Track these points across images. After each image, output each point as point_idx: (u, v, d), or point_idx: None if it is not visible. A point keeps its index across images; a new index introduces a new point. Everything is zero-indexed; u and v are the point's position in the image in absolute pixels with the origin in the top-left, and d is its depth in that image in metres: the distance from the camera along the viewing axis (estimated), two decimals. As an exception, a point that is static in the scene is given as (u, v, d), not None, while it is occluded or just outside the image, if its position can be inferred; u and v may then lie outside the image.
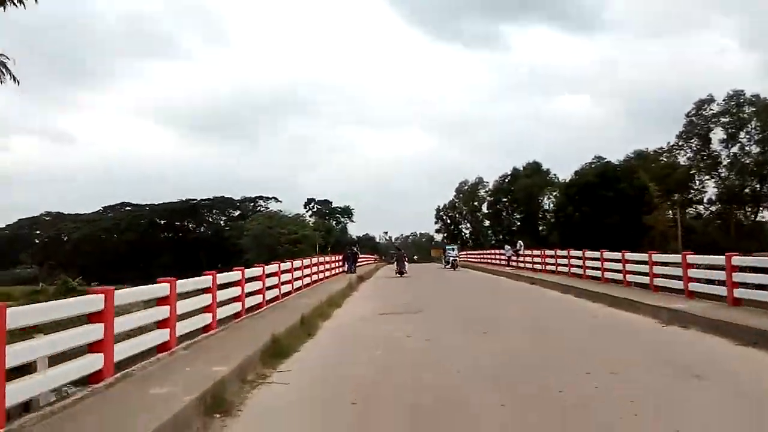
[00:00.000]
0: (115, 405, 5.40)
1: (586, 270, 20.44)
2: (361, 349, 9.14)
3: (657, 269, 14.93)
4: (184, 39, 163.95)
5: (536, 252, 28.79)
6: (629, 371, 7.07)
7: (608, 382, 6.55)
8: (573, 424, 5.18)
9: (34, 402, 5.78)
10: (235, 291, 11.29)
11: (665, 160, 63.39)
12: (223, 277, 10.62)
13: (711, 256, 13.21)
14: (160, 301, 8.06)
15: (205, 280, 9.73)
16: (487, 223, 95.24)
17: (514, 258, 33.21)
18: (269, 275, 13.96)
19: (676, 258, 13.90)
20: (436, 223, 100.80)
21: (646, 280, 15.42)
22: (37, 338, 6.02)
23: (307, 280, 19.84)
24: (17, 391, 4.89)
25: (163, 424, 4.83)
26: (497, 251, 41.43)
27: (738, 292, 11.27)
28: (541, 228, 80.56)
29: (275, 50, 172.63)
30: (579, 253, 21.56)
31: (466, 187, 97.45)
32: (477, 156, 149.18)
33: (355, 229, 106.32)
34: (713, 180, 59.35)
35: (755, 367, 7.32)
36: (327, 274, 25.69)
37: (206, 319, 9.54)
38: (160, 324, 7.97)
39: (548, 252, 26.24)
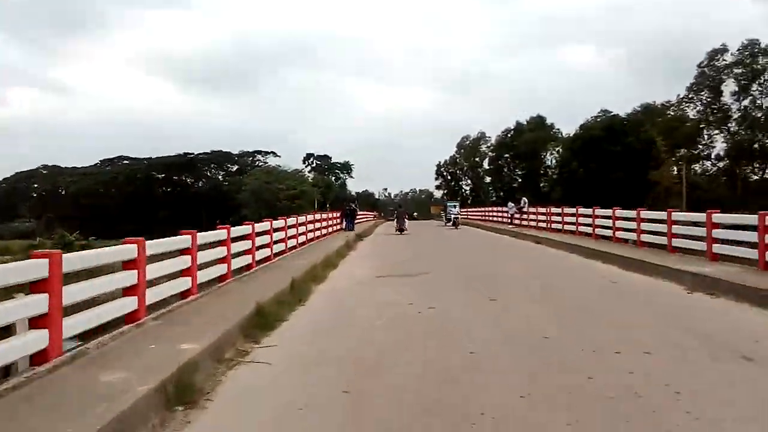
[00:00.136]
0: (47, 400, 4.40)
1: (596, 229, 19.45)
2: (357, 319, 8.17)
3: (676, 229, 13.92)
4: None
5: (541, 209, 27.75)
6: (663, 351, 6.09)
7: (644, 366, 5.56)
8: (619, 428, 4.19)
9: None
10: (219, 252, 10.27)
11: (672, 113, 61.73)
12: (204, 237, 9.60)
13: (740, 215, 12.22)
14: (127, 264, 7.03)
15: (182, 240, 8.70)
16: (488, 179, 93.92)
17: (517, 215, 32.21)
18: (260, 234, 12.94)
19: (700, 217, 12.84)
20: (436, 179, 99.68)
21: (663, 240, 14.43)
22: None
23: (302, 239, 18.86)
24: None
25: (104, 426, 3.85)
26: (500, 208, 40.41)
27: (771, 256, 10.28)
28: (542, 185, 79.28)
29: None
30: (588, 210, 20.52)
31: (467, 143, 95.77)
32: (480, 111, 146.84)
33: (354, 186, 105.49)
34: (722, 135, 57.83)
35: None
36: (324, 231, 24.71)
37: (184, 283, 8.55)
38: (126, 291, 6.95)
39: (554, 210, 25.19)
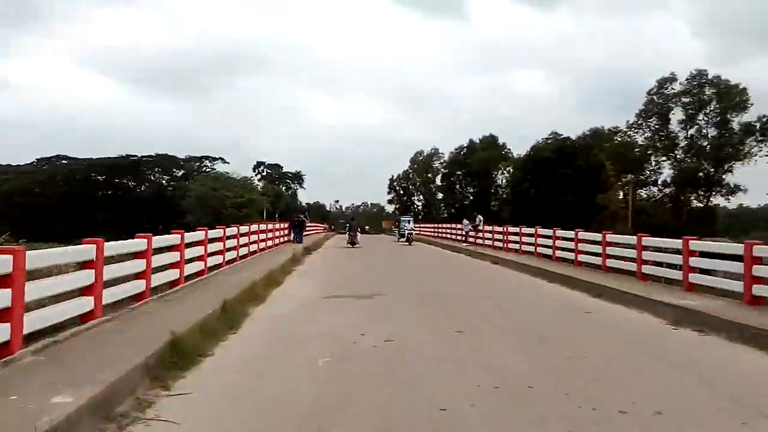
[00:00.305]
0: None
1: (557, 251, 18.56)
2: (296, 356, 6.68)
3: (647, 255, 13.06)
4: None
5: (498, 228, 26.88)
6: (680, 410, 4.91)
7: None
8: None
9: None
10: (136, 265, 8.62)
11: (620, 139, 62.86)
12: (116, 247, 7.95)
13: (724, 243, 11.44)
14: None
15: (84, 250, 7.04)
16: (440, 196, 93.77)
17: (472, 233, 31.32)
18: (190, 245, 11.28)
19: (676, 244, 11.97)
20: (389, 193, 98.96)
21: (631, 266, 13.56)
22: None
23: (244, 251, 17.19)
24: None
25: None
26: (454, 225, 39.53)
27: (758, 289, 9.40)
28: (493, 204, 79.44)
29: (229, 2, 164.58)
30: (548, 231, 19.63)
31: (421, 158, 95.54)
32: (431, 129, 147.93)
33: (305, 196, 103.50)
34: (669, 162, 59.08)
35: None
36: (270, 243, 23.03)
37: (82, 304, 6.89)
38: (-5, 316, 5.31)
39: (512, 229, 24.30)
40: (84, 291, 6.94)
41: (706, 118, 57.02)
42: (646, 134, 60.24)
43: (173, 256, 10.25)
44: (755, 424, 4.65)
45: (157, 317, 7.69)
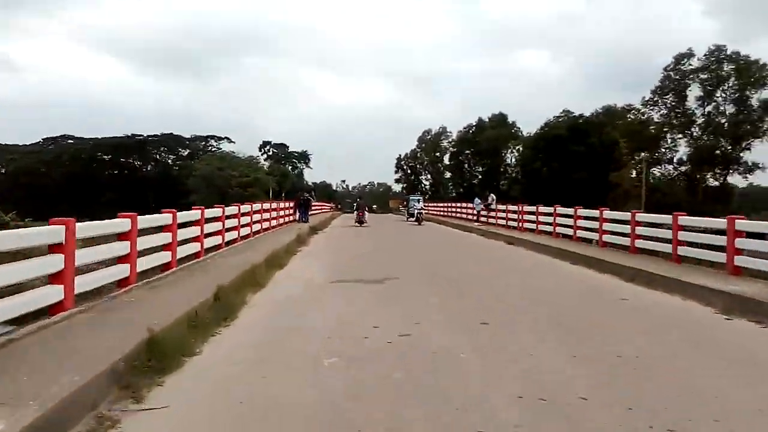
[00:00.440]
0: None
1: (578, 231, 17.49)
2: (299, 353, 5.69)
3: (683, 235, 11.97)
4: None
5: (512, 207, 25.75)
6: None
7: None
8: None
9: None
10: (119, 247, 7.64)
11: (633, 117, 61.23)
12: (93, 227, 6.97)
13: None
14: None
15: (52, 232, 6.05)
16: (448, 175, 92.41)
17: (484, 213, 30.22)
18: (183, 225, 10.29)
19: (719, 223, 10.88)
20: (396, 172, 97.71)
21: (665, 247, 12.50)
22: None
23: (246, 231, 16.23)
24: None
25: None
26: (465, 204, 38.42)
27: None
28: (502, 183, 78.03)
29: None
30: (569, 210, 18.53)
31: (429, 137, 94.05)
32: (439, 109, 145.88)
33: (311, 176, 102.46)
34: (685, 139, 57.43)
35: None
36: (274, 223, 22.06)
37: (52, 294, 5.93)
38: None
39: (528, 208, 23.18)
40: (52, 279, 5.97)
41: (724, 95, 55.25)
42: (661, 111, 58.52)
43: (164, 237, 9.27)
44: None
45: (138, 307, 6.71)
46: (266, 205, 20.98)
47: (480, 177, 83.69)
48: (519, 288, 10.07)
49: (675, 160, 58.77)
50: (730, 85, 54.64)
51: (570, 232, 17.95)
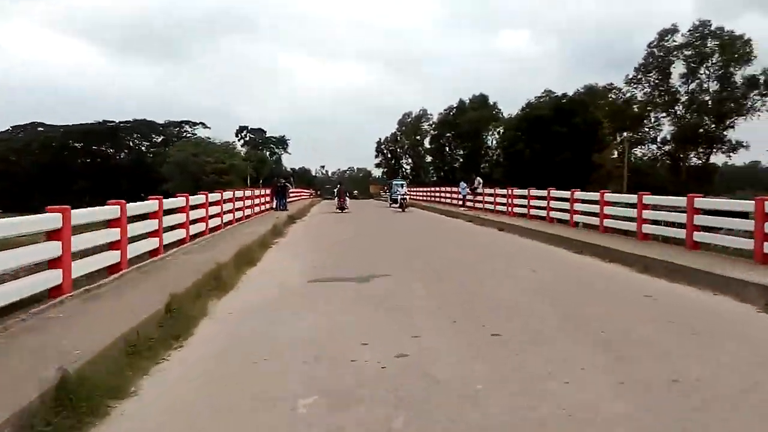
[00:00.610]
0: None
1: (575, 215, 16.35)
2: (265, 391, 4.36)
3: (699, 219, 10.86)
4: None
5: (500, 191, 24.58)
6: None
7: None
8: None
9: None
10: (50, 248, 6.21)
11: (615, 96, 60.39)
12: (17, 224, 5.55)
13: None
14: None
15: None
16: (429, 159, 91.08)
17: (470, 197, 29.02)
18: (136, 218, 8.85)
19: (745, 205, 9.76)
20: (376, 156, 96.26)
21: (678, 233, 11.40)
22: None
23: (216, 221, 14.79)
24: None
25: None
26: (450, 188, 37.19)
27: None
28: (483, 166, 76.97)
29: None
30: (565, 194, 17.36)
31: (409, 120, 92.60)
32: (419, 90, 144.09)
33: (290, 162, 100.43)
34: (669, 118, 56.73)
35: None
36: (249, 212, 20.60)
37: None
38: None
39: (518, 192, 22.01)
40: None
41: (707, 72, 54.50)
42: (645, 90, 57.68)
43: (109, 234, 7.84)
44: None
45: (65, 327, 5.31)
46: (240, 193, 19.50)
47: (461, 160, 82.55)
48: (520, 286, 8.82)
49: (659, 140, 58.13)
50: (714, 61, 53.90)
51: (566, 216, 16.82)
